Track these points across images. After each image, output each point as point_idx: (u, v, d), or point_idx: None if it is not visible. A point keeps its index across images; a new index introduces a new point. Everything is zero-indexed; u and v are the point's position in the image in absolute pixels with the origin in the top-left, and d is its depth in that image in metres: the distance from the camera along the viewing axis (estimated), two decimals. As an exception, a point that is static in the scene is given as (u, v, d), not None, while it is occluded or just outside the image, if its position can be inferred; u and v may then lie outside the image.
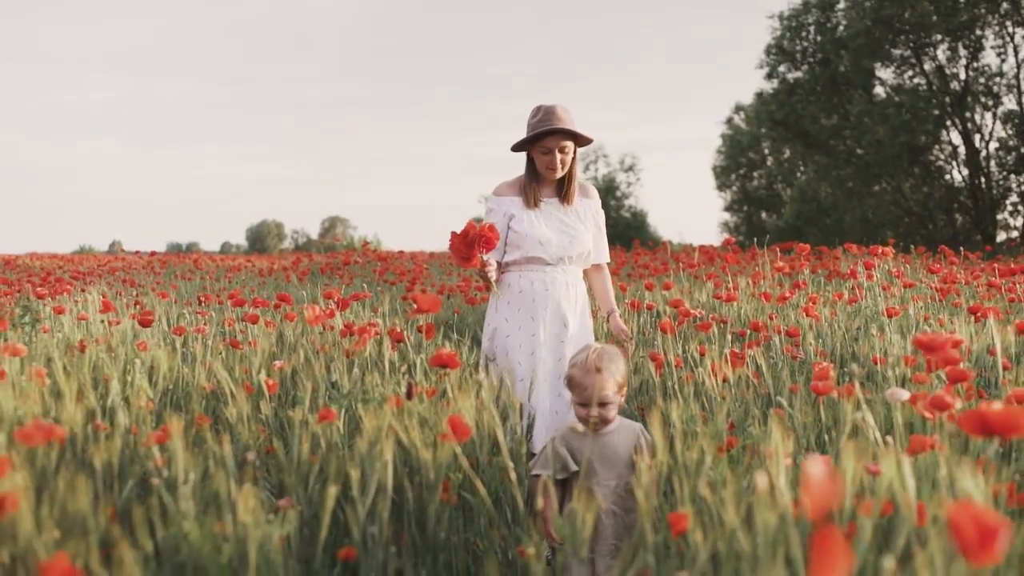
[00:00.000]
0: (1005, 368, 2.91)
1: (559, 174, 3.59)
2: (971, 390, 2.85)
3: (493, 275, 3.44)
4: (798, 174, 32.69)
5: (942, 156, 24.84)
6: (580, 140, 3.61)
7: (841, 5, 24.17)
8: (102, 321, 4.90)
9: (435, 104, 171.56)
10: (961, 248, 8.62)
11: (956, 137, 24.26)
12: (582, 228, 3.64)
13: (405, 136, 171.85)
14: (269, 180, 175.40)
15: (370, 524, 2.16)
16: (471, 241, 3.22)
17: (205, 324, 5.00)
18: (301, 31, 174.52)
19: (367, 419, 2.35)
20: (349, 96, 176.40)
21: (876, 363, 3.48)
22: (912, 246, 9.65)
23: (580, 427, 2.79)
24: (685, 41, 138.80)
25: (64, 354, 3.84)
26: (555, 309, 3.55)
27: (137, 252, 16.15)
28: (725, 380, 3.16)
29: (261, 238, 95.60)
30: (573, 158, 3.62)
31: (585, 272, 3.77)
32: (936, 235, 23.03)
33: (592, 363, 2.75)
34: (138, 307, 6.24)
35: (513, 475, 2.31)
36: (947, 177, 24.85)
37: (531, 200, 3.61)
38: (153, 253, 15.39)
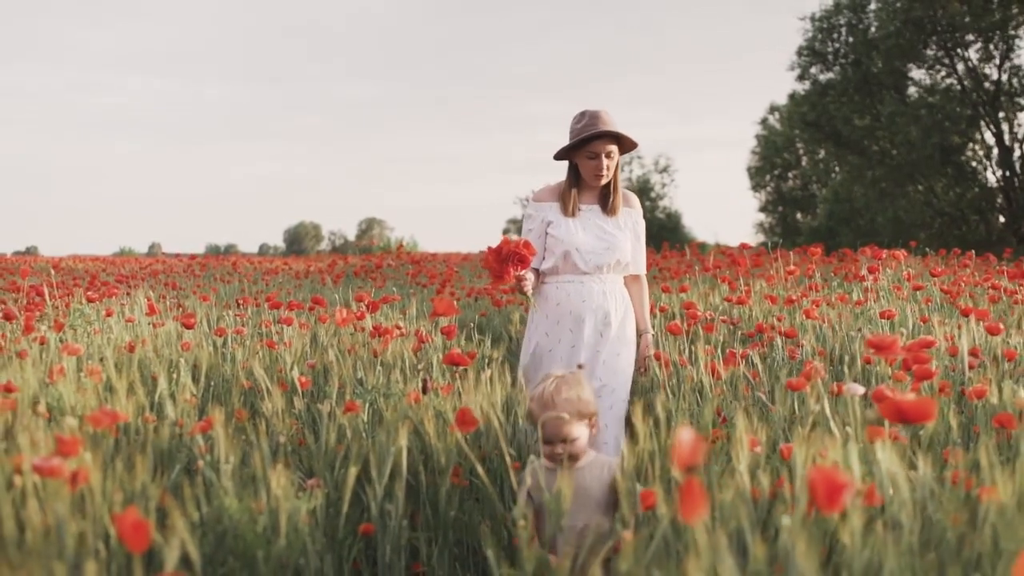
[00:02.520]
0: (971, 367, 3.15)
1: (605, 180, 3.53)
2: (946, 386, 3.10)
3: (529, 289, 3.36)
4: (833, 175, 32.62)
5: (976, 157, 24.74)
6: (625, 145, 3.55)
7: (872, 6, 24.14)
8: (149, 323, 5.23)
9: (472, 104, 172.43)
10: (972, 250, 8.76)
11: (990, 137, 24.17)
12: (621, 236, 3.58)
13: (442, 136, 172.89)
14: (307, 181, 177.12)
15: (387, 502, 2.45)
16: (504, 258, 3.17)
17: (243, 326, 5.33)
18: (340, 31, 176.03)
19: (388, 412, 2.65)
20: (388, 96, 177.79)
21: (867, 362, 3.72)
22: (928, 249, 9.81)
23: (549, 462, 2.56)
24: (719, 39, 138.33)
25: (115, 353, 4.17)
26: (592, 320, 3.50)
27: (178, 255, 16.63)
28: (718, 377, 3.40)
29: (299, 239, 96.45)
30: (616, 165, 3.56)
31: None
32: (969, 236, 22.97)
33: (550, 396, 2.50)
34: (180, 310, 6.60)
35: (508, 460, 2.58)
36: (981, 178, 24.73)
37: (570, 207, 3.56)
38: (193, 257, 15.85)
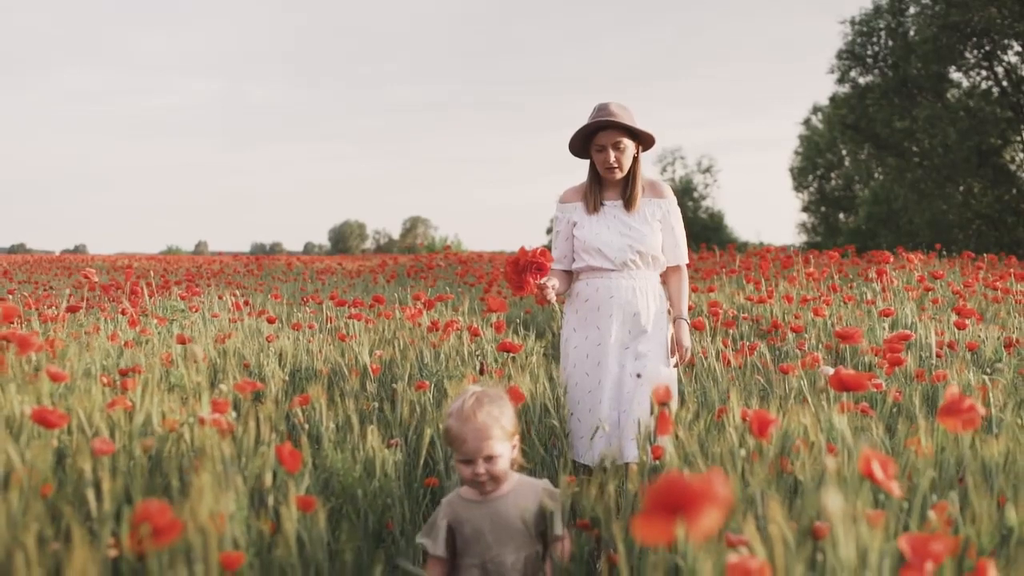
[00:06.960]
0: (938, 356, 3.71)
1: (617, 174, 3.43)
2: (922, 373, 3.66)
3: (552, 297, 3.26)
4: (876, 175, 32.77)
5: (1015, 159, 24.88)
6: (641, 139, 3.47)
7: (911, 11, 24.37)
8: (232, 319, 5.93)
9: (514, 105, 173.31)
10: (1003, 252, 9.22)
11: (1030, 139, 24.31)
12: (647, 229, 3.45)
13: (485, 136, 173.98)
14: (351, 181, 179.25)
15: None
16: (522, 269, 3.18)
17: (313, 321, 6.01)
18: (385, 33, 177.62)
19: (451, 389, 3.27)
20: (429, 97, 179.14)
21: (861, 353, 4.29)
22: (946, 252, 10.25)
23: (468, 493, 2.38)
24: (765, 40, 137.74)
25: (214, 344, 4.86)
26: (621, 317, 3.42)
27: (236, 255, 17.46)
28: (728, 364, 3.99)
29: (344, 238, 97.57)
30: (635, 158, 3.47)
31: (661, 275, 3.58)
32: (1005, 238, 23.15)
33: (470, 411, 2.31)
34: (249, 306, 7.31)
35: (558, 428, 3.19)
36: (1019, 179, 24.82)
37: (592, 204, 3.49)
38: (249, 257, 16.64)
